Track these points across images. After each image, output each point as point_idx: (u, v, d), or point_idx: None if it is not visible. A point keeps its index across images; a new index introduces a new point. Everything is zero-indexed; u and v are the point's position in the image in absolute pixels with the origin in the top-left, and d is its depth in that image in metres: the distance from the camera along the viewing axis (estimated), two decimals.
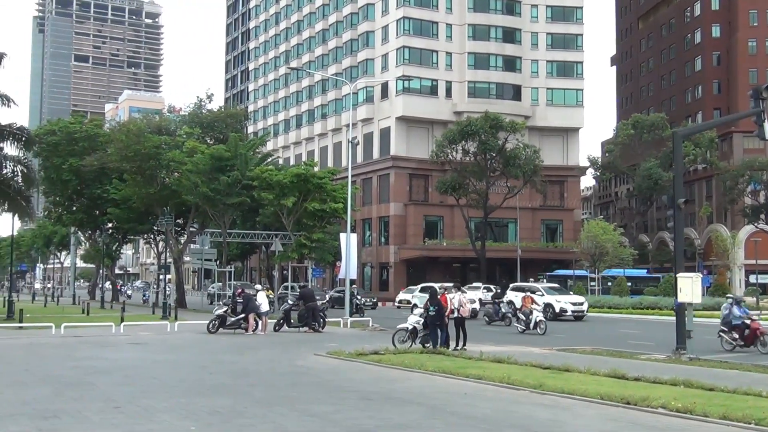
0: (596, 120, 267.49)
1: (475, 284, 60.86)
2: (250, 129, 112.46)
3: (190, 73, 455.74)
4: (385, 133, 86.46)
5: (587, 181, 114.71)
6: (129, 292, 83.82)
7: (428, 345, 24.45)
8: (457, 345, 24.89)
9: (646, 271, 66.40)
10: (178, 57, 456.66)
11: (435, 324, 24.50)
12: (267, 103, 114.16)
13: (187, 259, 71.46)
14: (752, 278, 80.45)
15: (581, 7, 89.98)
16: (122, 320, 33.15)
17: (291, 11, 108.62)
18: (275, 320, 33.40)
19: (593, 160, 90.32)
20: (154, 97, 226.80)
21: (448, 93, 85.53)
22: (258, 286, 35.66)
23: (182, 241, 62.63)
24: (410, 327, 25.35)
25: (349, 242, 39.16)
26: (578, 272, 69.49)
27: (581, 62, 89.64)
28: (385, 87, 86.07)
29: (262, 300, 32.15)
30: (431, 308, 24.45)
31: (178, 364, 20.76)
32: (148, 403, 13.93)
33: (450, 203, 78.42)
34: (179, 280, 61.41)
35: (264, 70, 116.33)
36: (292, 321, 32.94)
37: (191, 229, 60.65)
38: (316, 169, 58.78)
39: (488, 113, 71.50)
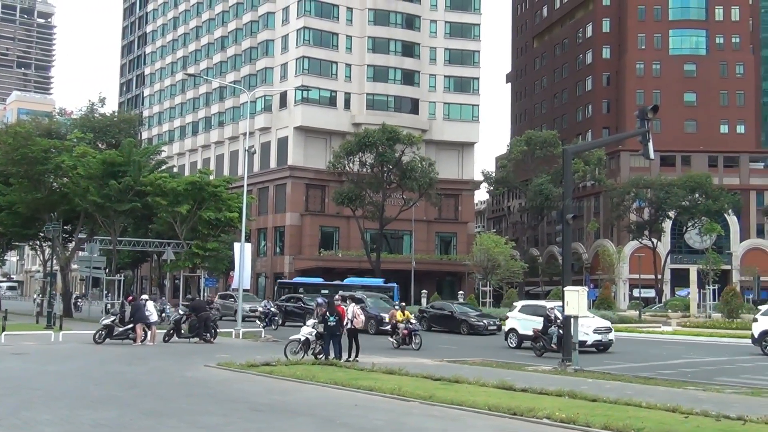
0: (491, 135, 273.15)
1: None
2: (145, 135, 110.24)
3: (83, 76, 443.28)
4: (282, 143, 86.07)
5: (481, 195, 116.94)
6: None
7: (321, 356, 24.42)
8: (349, 356, 24.91)
9: (382, 280, 66.47)
10: (71, 59, 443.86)
11: (335, 335, 24.50)
12: (163, 109, 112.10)
13: (74, 266, 69.34)
14: (635, 292, 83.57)
15: (479, 25, 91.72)
16: (3, 329, 31.91)
17: (190, 17, 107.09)
18: (165, 330, 32.79)
19: (487, 175, 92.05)
20: (44, 99, 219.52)
21: (347, 104, 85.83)
22: (144, 296, 34.88)
23: (70, 248, 60.79)
24: (303, 338, 25.24)
25: (243, 252, 38.79)
26: (311, 279, 66.46)
27: (478, 78, 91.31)
28: (283, 96, 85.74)
29: (152, 310, 31.51)
30: (331, 318, 24.40)
31: (62, 375, 20.11)
32: (29, 415, 13.46)
33: (346, 214, 78.58)
34: (66, 289, 59.55)
35: (160, 75, 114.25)
36: (182, 331, 32.40)
37: (80, 236, 58.95)
38: (211, 177, 58.09)
39: (386, 125, 72.08)
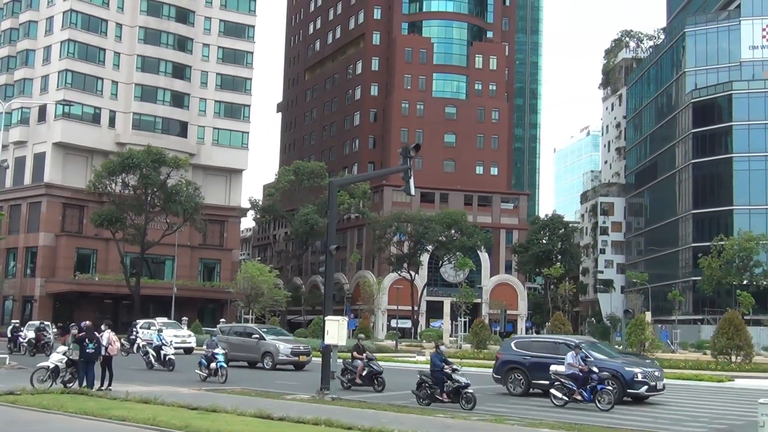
0: (260, 163, 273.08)
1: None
2: None
3: None
4: (39, 158, 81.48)
5: (247, 222, 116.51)
6: None
7: (71, 385, 23.32)
8: (102, 385, 23.98)
9: None
10: None
11: (91, 362, 23.53)
12: None
13: None
14: (393, 322, 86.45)
15: (252, 52, 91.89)
16: None
17: None
18: None
19: (254, 203, 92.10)
20: None
21: (112, 123, 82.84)
22: None
23: None
24: (51, 365, 23.98)
25: None
26: None
27: (249, 105, 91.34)
28: (43, 110, 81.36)
29: None
30: (90, 345, 23.38)
31: None
32: None
33: (106, 236, 75.61)
34: None
35: None
36: None
37: None
38: None
39: (151, 147, 70.38)
